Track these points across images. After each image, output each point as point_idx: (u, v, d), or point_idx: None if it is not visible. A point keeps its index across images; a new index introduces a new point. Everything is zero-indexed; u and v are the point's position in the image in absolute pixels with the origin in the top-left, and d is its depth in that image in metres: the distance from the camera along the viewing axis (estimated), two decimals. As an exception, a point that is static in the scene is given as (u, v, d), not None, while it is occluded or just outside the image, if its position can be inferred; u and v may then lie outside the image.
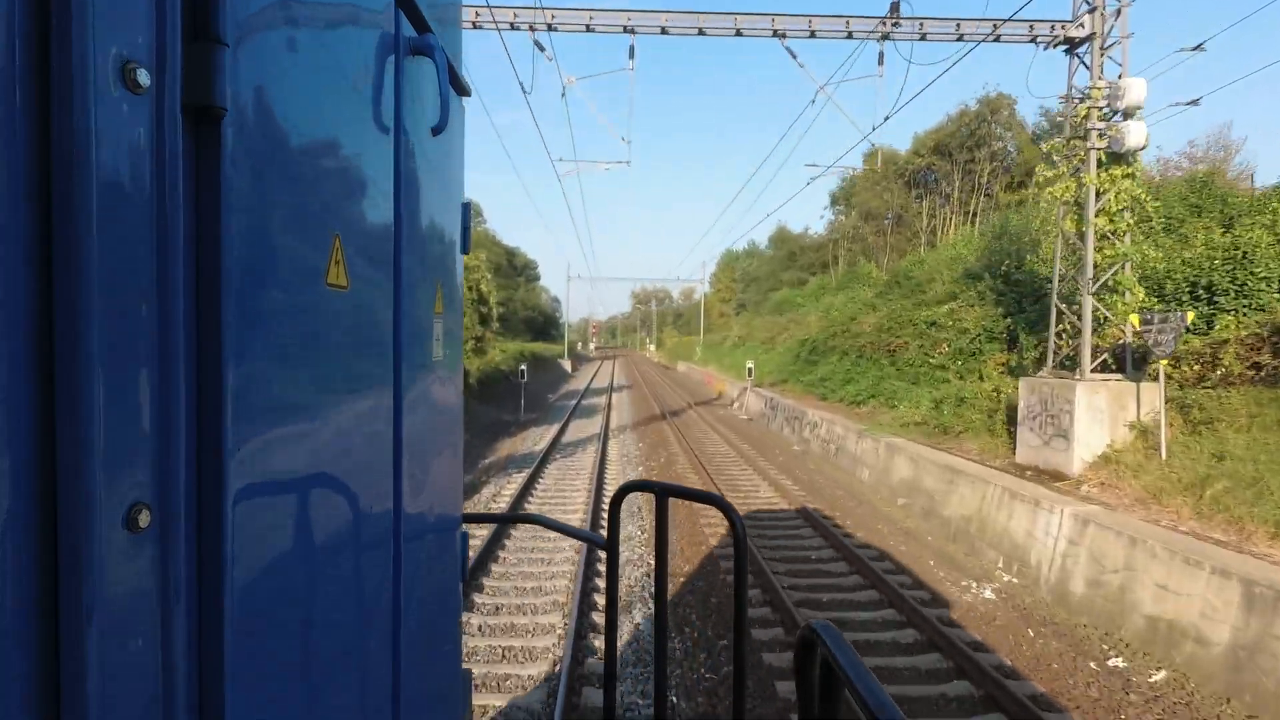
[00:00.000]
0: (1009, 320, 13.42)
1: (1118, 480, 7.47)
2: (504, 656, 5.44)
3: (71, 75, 0.58)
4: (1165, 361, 7.69)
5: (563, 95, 13.18)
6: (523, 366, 19.57)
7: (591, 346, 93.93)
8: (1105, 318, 9.26)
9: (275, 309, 0.82)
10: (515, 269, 64.74)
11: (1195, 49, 9.46)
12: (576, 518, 9.26)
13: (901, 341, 16.18)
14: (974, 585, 7.05)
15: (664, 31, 10.58)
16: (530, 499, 9.77)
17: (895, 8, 9.76)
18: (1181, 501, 6.47)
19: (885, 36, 10.37)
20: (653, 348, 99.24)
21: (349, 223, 1.00)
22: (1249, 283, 9.60)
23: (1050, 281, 9.92)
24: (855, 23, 10.53)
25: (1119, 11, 9.08)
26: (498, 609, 6.40)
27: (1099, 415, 8.66)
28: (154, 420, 0.67)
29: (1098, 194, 9.21)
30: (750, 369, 19.07)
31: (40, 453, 0.57)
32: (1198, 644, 4.68)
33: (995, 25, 9.96)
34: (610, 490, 8.52)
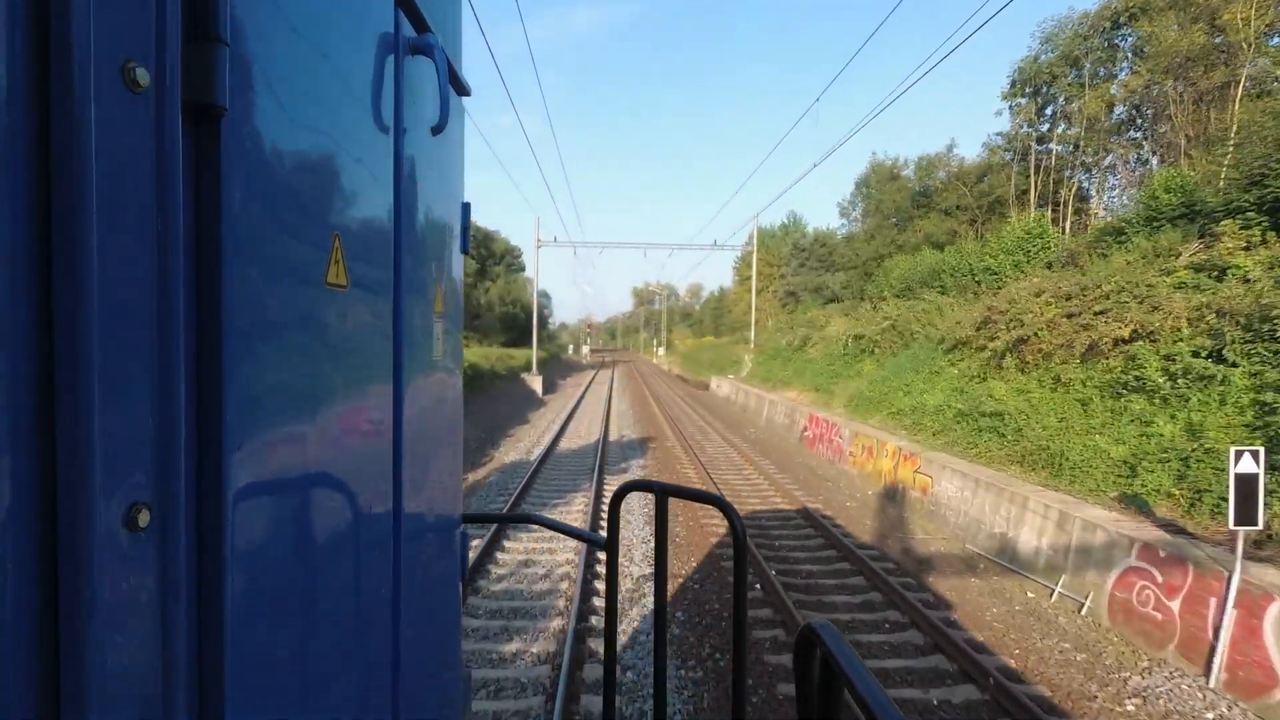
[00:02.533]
0: None
1: None
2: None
3: (71, 74, 0.59)
4: None
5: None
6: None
7: (585, 350, 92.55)
8: None
9: (275, 308, 0.88)
10: (493, 255, 55.67)
11: None
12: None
13: None
14: None
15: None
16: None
17: None
18: None
19: None
20: (662, 351, 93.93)
21: (349, 222, 1.06)
22: None
23: None
24: None
25: None
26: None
27: None
28: (154, 420, 0.69)
29: None
30: None
31: (40, 453, 0.59)
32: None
33: None
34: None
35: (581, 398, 32.26)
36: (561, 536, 8.98)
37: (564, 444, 18.15)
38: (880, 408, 16.65)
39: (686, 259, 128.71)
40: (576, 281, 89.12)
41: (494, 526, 9.13)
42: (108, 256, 0.62)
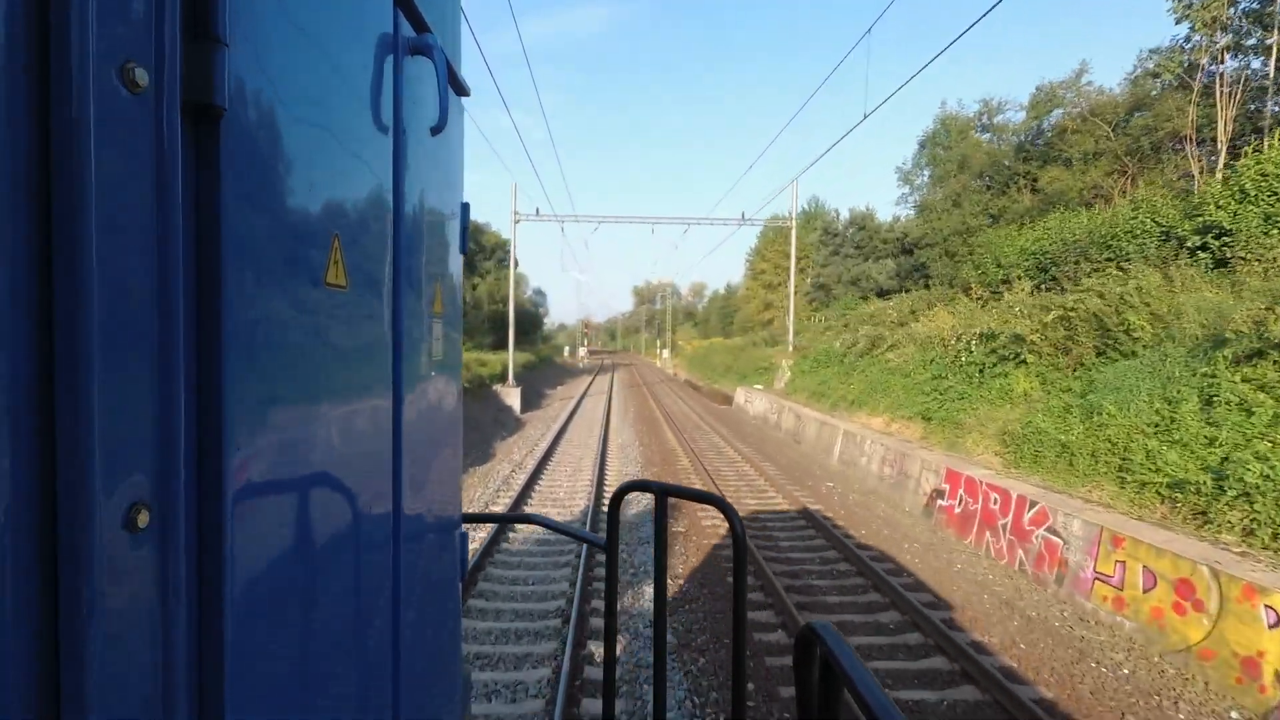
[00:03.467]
0: None
1: None
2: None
3: (70, 74, 0.62)
4: None
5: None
6: None
7: (583, 352, 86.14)
8: None
9: (274, 309, 0.92)
10: (482, 250, 49.54)
11: None
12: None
13: None
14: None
15: None
16: None
17: None
18: None
19: None
20: (666, 354, 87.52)
21: (348, 222, 1.09)
22: None
23: None
24: None
25: None
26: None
27: None
28: (154, 420, 0.72)
29: None
30: None
31: (40, 453, 0.62)
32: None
33: None
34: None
35: (571, 417, 25.96)
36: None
37: (527, 524, 10.37)
38: (1100, 467, 9.31)
39: (701, 242, 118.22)
40: (566, 269, 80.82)
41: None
42: (107, 256, 0.66)
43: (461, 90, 1.73)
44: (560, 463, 16.66)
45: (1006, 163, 28.85)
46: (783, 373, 30.87)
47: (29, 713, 0.60)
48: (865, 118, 19.20)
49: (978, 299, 19.23)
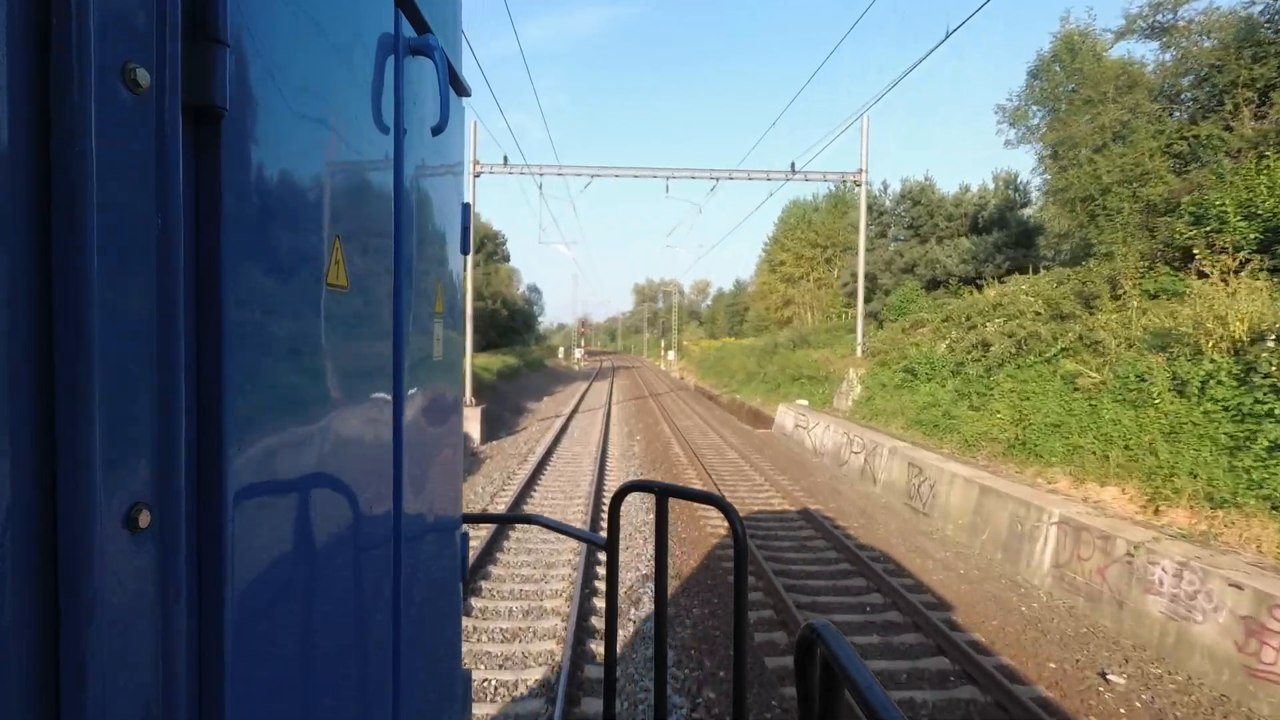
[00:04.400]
0: None
1: None
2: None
3: (71, 74, 0.65)
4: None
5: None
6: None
7: (578, 354, 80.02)
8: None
9: (275, 309, 0.93)
10: None
11: None
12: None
13: None
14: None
15: None
16: None
17: None
18: None
19: None
20: (672, 355, 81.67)
21: (349, 223, 1.11)
22: None
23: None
24: None
25: None
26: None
27: None
28: (154, 420, 0.74)
29: None
30: None
31: (40, 453, 0.64)
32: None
33: None
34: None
35: (550, 453, 18.06)
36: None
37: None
38: None
39: (722, 221, 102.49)
40: (543, 241, 71.76)
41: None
42: (108, 257, 0.68)
43: (462, 90, 1.73)
44: (506, 581, 8.27)
45: (1216, 64, 16.76)
46: (850, 386, 22.33)
47: (29, 713, 0.60)
48: (948, 36, 12.71)
49: (1222, 272, 11.43)
